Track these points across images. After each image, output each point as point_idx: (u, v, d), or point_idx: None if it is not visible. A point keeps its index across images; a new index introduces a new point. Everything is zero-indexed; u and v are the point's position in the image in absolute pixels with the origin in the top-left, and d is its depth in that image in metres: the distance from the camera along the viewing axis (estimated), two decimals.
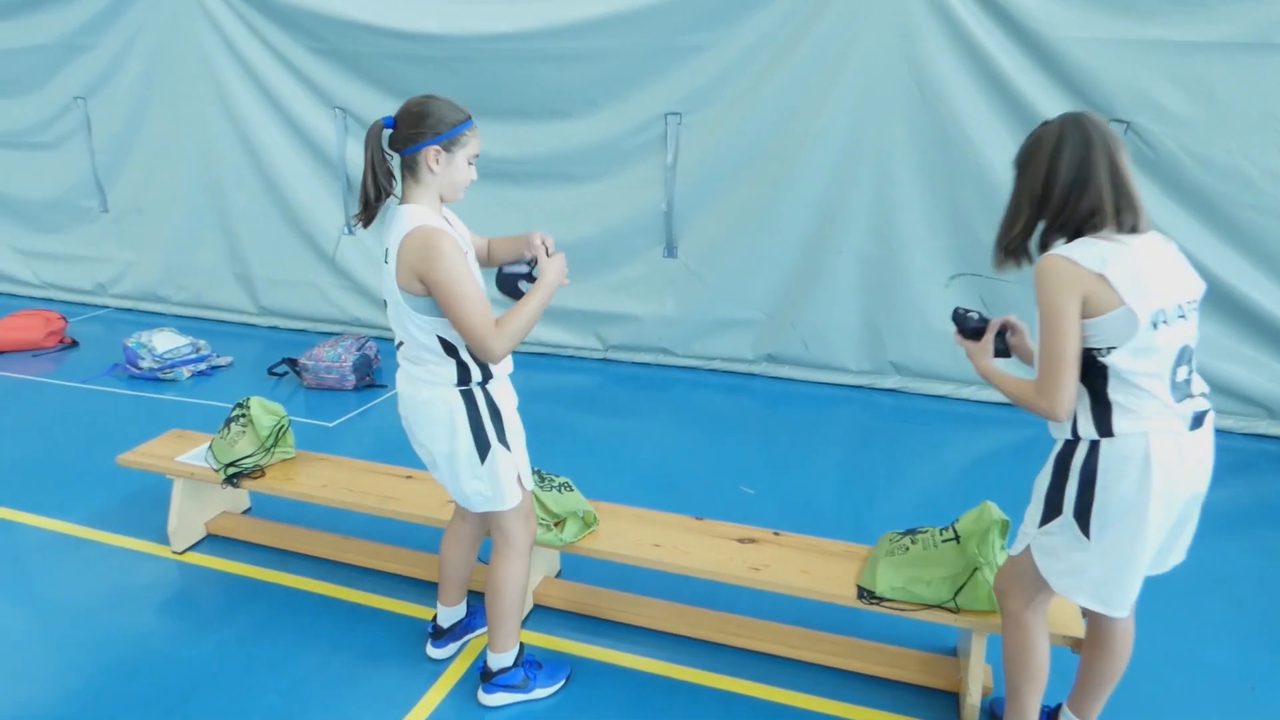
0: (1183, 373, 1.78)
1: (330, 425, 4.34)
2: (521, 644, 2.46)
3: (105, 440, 4.03)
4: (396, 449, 4.05)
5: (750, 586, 2.46)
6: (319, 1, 5.00)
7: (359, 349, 4.86)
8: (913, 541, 2.40)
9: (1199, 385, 1.84)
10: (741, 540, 2.62)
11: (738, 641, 2.64)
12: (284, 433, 3.13)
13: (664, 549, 2.57)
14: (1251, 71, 3.68)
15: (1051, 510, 1.87)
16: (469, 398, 2.15)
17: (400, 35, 4.88)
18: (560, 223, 4.90)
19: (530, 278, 2.18)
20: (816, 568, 2.49)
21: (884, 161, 4.32)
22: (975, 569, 2.27)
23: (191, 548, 3.21)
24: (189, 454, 3.20)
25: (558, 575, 3.00)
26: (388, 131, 2.04)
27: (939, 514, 3.42)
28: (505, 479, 2.22)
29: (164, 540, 3.20)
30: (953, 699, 2.45)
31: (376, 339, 5.20)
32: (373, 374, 4.93)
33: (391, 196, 2.09)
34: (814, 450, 4.11)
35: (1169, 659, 2.60)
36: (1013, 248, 1.87)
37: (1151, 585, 2.08)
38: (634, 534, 2.65)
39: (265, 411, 3.11)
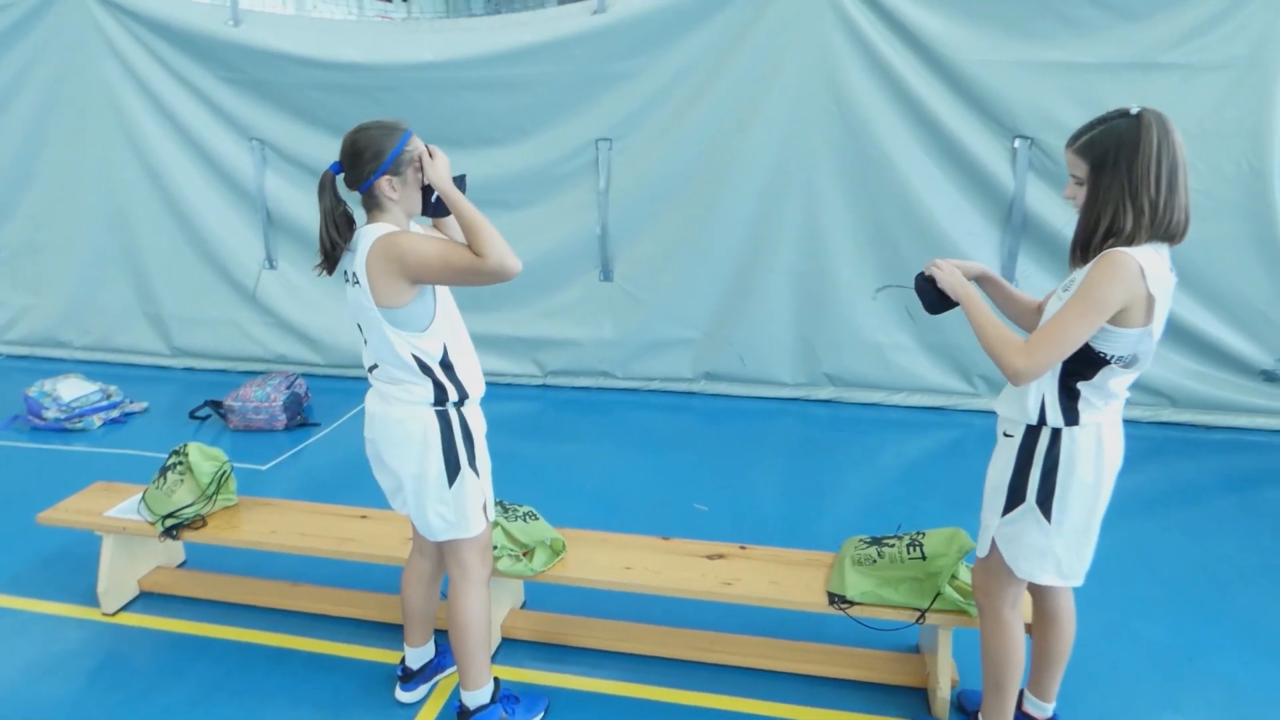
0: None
1: (263, 468, 4.17)
2: (496, 679, 2.42)
3: (13, 499, 3.76)
4: (337, 488, 3.96)
5: (724, 601, 2.49)
6: (232, 30, 4.86)
7: (288, 387, 4.69)
8: (879, 554, 2.47)
9: None
10: (710, 557, 2.66)
11: (710, 657, 2.66)
12: (226, 479, 3.00)
13: (636, 571, 2.58)
14: (1137, 89, 3.99)
15: (1014, 499, 1.98)
16: (444, 418, 2.13)
17: (321, 64, 4.78)
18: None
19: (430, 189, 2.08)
20: (785, 578, 2.54)
21: (809, 181, 4.48)
22: (938, 593, 2.36)
23: (124, 608, 3.01)
24: (119, 507, 3.02)
25: (523, 606, 2.96)
26: (339, 176, 2.06)
27: (883, 515, 3.59)
28: (471, 505, 2.20)
29: (93, 602, 3.00)
30: (921, 694, 2.53)
31: (305, 375, 5.03)
32: (304, 412, 4.77)
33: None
34: (758, 463, 4.19)
35: (1110, 637, 2.76)
36: (1096, 246, 1.78)
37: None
38: (604, 558, 2.65)
39: (205, 458, 2.97)
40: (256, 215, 5.28)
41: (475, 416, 2.22)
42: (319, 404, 4.94)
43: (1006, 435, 2.00)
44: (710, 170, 4.56)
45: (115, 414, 4.82)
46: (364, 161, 2.00)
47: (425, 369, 2.09)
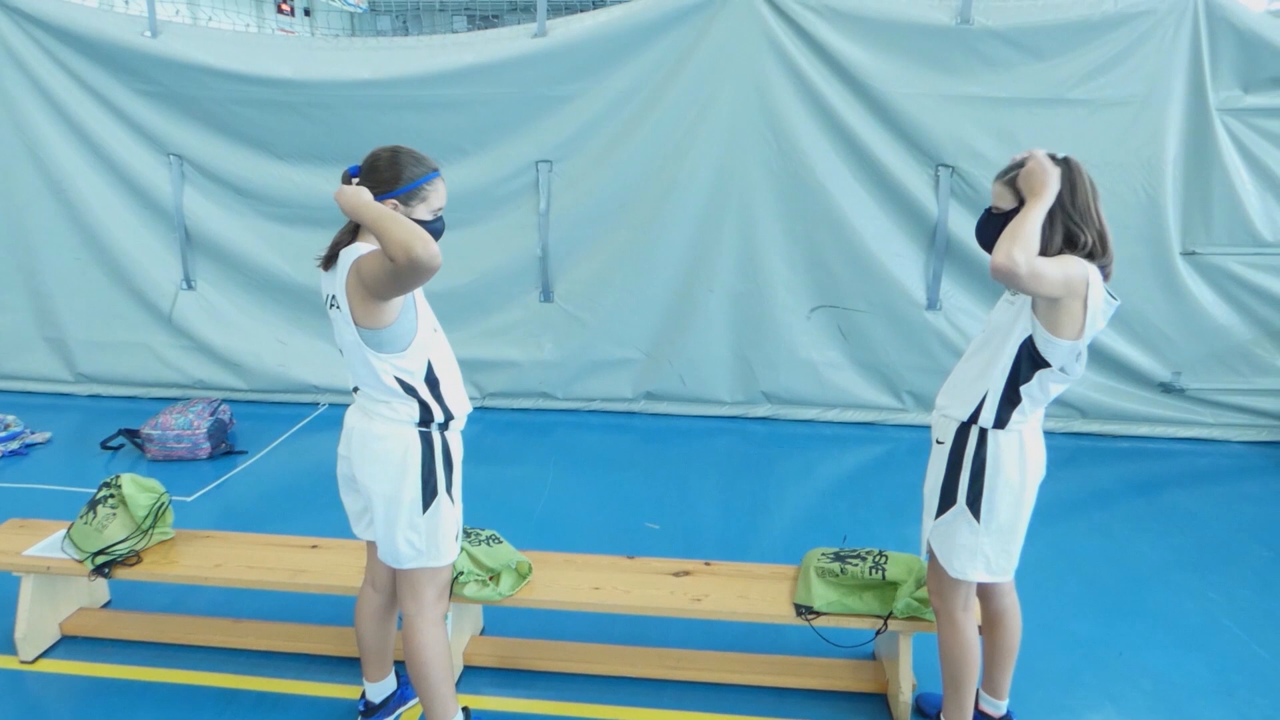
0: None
1: (188, 500, 3.95)
2: (465, 708, 2.37)
3: None
4: (269, 519, 3.80)
5: (696, 618, 2.52)
6: (149, 42, 4.64)
7: (212, 414, 4.48)
8: (842, 570, 2.54)
9: None
10: (677, 574, 2.68)
11: (677, 674, 2.67)
12: (164, 512, 2.84)
13: (605, 591, 2.58)
14: (1046, 122, 4.30)
15: (947, 502, 2.11)
16: (426, 440, 2.09)
17: (246, 79, 4.61)
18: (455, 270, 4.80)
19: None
20: (752, 592, 2.59)
21: (746, 204, 4.61)
22: (890, 614, 2.46)
23: (45, 654, 2.80)
24: (39, 546, 2.81)
25: (482, 633, 2.91)
26: (354, 181, 2.02)
27: (827, 527, 3.71)
28: (444, 533, 2.16)
29: (9, 649, 2.77)
30: (881, 700, 2.62)
31: (228, 401, 4.81)
32: (229, 440, 4.56)
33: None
34: (702, 481, 4.26)
35: (1046, 635, 2.93)
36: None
37: (1022, 572, 2.33)
38: (570, 580, 2.64)
39: (141, 489, 2.81)
40: (173, 234, 5.03)
41: (457, 442, 2.19)
42: (244, 431, 4.73)
43: (938, 442, 2.14)
44: (650, 193, 4.64)
45: (15, 445, 4.48)
46: (381, 177, 1.97)
47: (409, 389, 2.05)
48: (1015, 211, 1.94)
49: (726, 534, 3.69)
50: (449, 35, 4.66)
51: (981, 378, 2.04)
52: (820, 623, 2.48)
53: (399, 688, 2.52)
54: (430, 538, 2.13)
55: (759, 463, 4.50)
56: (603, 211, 4.70)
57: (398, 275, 1.83)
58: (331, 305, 2.05)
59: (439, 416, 2.09)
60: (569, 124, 4.57)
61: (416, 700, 2.53)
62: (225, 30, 5.06)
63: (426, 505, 2.10)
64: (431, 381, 2.07)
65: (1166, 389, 4.67)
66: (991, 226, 2.00)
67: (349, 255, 1.98)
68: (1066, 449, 4.61)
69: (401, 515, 2.10)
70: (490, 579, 2.57)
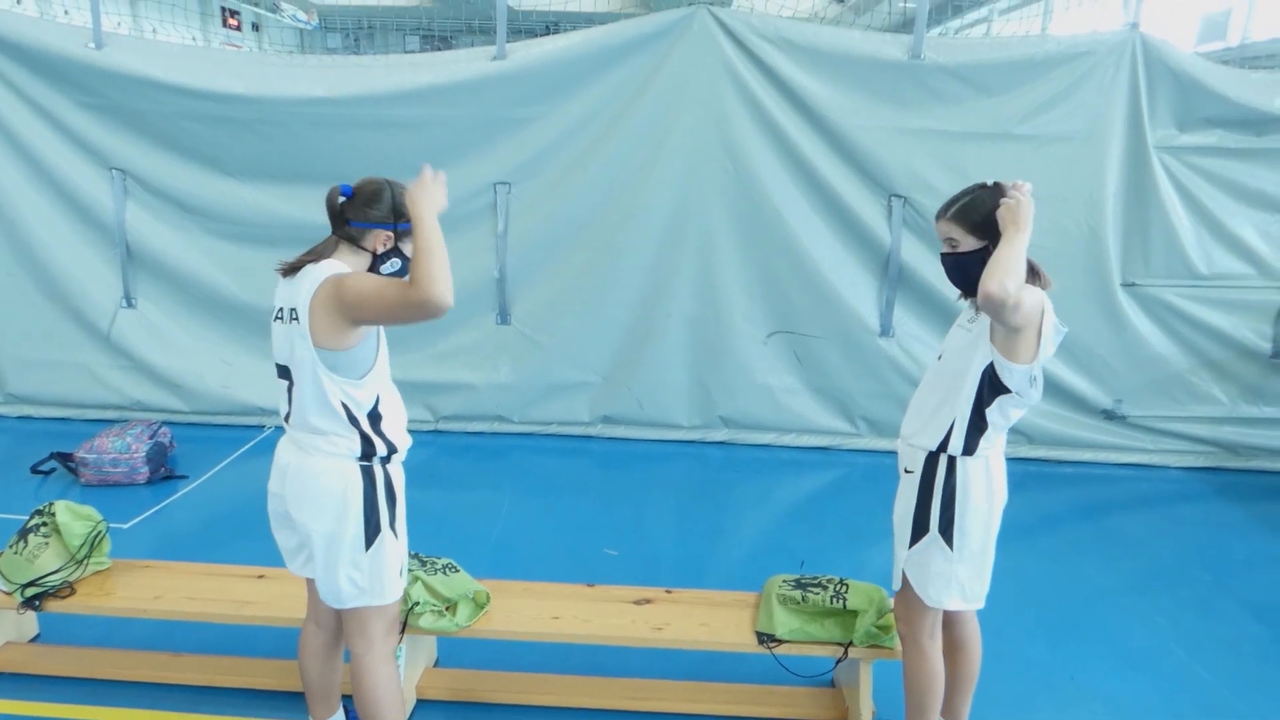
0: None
1: (125, 527, 3.78)
2: None
3: None
4: (212, 546, 3.66)
5: (657, 647, 2.49)
6: (94, 54, 4.50)
7: (151, 437, 4.30)
8: (804, 599, 2.53)
9: None
10: (637, 602, 2.65)
11: (639, 705, 2.63)
12: (100, 541, 2.71)
13: (564, 620, 2.53)
14: (993, 156, 4.42)
15: (919, 531, 2.12)
16: (368, 474, 2.02)
17: (196, 94, 4.50)
18: None
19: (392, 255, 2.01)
20: (714, 620, 2.57)
21: (705, 230, 4.64)
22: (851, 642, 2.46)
23: None
24: None
25: (436, 664, 2.83)
26: (343, 199, 2.00)
27: (784, 552, 3.71)
28: (389, 570, 2.08)
29: None
30: None
31: (168, 424, 4.63)
32: (169, 464, 4.39)
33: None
34: (660, 506, 4.23)
35: (1000, 661, 2.94)
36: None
37: None
38: (530, 609, 2.59)
39: (76, 517, 2.68)
40: (114, 250, 4.86)
41: (399, 474, 2.12)
42: (185, 454, 4.55)
43: (907, 471, 2.15)
44: (609, 217, 4.64)
45: None
46: (379, 206, 1.97)
47: (352, 420, 1.98)
48: (982, 249, 2.00)
49: (685, 559, 3.67)
50: (405, 55, 4.62)
51: (946, 406, 2.06)
52: (782, 651, 2.46)
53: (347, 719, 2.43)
54: (374, 576, 2.05)
55: (717, 487, 4.50)
56: (561, 235, 4.69)
57: (404, 303, 1.80)
58: (289, 319, 1.96)
59: (381, 450, 2.03)
60: (528, 147, 4.55)
61: None
62: (173, 43, 4.94)
63: (369, 542, 2.02)
64: (374, 416, 2.01)
65: (1109, 416, 4.81)
66: (961, 267, 2.05)
67: (320, 270, 1.92)
68: (1015, 474, 4.53)
69: (343, 554, 2.01)
70: (447, 609, 2.50)
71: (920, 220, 4.56)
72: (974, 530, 2.07)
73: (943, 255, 2.09)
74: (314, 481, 2.00)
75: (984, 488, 2.06)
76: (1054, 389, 4.76)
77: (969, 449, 2.04)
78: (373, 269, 2.01)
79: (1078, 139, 4.39)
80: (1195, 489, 4.63)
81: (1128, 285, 4.60)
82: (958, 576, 2.11)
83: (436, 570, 2.57)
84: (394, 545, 2.08)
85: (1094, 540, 3.97)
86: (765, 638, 2.46)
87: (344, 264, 1.97)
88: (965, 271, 2.03)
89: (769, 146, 4.52)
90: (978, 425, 2.04)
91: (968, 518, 2.06)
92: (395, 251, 2.02)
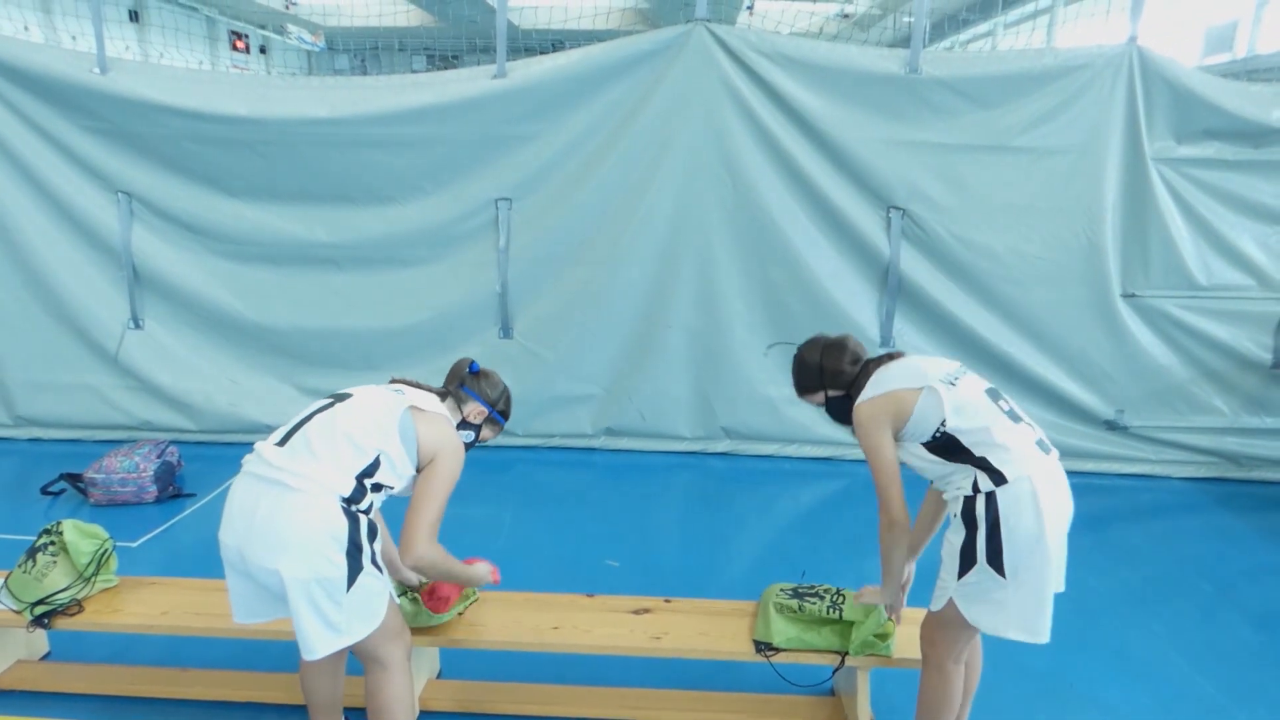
0: (1005, 404, 2.16)
1: (134, 545, 3.82)
2: None
3: None
4: (219, 564, 3.64)
5: (656, 656, 2.51)
6: (99, 78, 4.58)
7: (159, 456, 4.35)
8: (800, 608, 2.53)
9: (1023, 415, 2.20)
10: (636, 612, 2.67)
11: (639, 714, 2.65)
12: (107, 559, 2.74)
13: (564, 630, 2.55)
14: (991, 168, 4.47)
15: (967, 562, 2.07)
16: (351, 517, 2.00)
17: (199, 116, 4.58)
18: (389, 307, 4.77)
19: None
20: (712, 629, 2.59)
21: (704, 243, 4.69)
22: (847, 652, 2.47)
23: None
24: None
25: (439, 676, 2.85)
26: (471, 373, 2.40)
27: (787, 563, 3.72)
28: (372, 605, 2.06)
29: None
30: None
31: (176, 443, 4.67)
32: (176, 482, 4.43)
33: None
34: (662, 517, 4.26)
35: (1000, 670, 2.94)
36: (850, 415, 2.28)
37: None
38: (530, 619, 2.61)
39: (83, 536, 2.71)
40: (121, 272, 4.93)
41: (378, 515, 2.19)
42: (193, 473, 4.60)
43: (954, 515, 2.13)
44: (609, 231, 4.69)
45: None
46: (491, 389, 2.39)
47: (365, 473, 2.03)
48: (828, 400, 2.41)
49: (687, 570, 3.69)
50: (408, 75, 4.70)
51: (952, 471, 2.12)
52: (779, 659, 2.48)
53: None
54: (351, 617, 2.00)
55: (719, 498, 4.51)
56: (562, 249, 4.74)
57: (414, 525, 2.09)
58: (399, 391, 2.21)
59: (362, 505, 2.05)
60: (529, 163, 4.61)
61: None
62: (177, 67, 5.03)
63: (351, 582, 1.98)
64: (378, 486, 2.09)
65: (1111, 426, 4.81)
66: (834, 414, 2.43)
67: (447, 415, 2.26)
68: None
69: (320, 599, 1.94)
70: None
71: (919, 232, 4.59)
72: (1024, 556, 1.99)
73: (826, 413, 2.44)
74: (294, 519, 1.93)
75: (1030, 513, 1.99)
76: (1055, 399, 4.78)
77: (999, 480, 2.02)
78: (458, 428, 2.31)
79: (1075, 151, 4.42)
80: (1197, 499, 4.62)
81: (1128, 296, 4.62)
82: (1011, 608, 2.03)
83: None
84: (377, 578, 2.06)
85: (1095, 550, 3.97)
86: (762, 646, 2.48)
87: (451, 415, 2.29)
88: (838, 415, 2.39)
89: (767, 160, 4.56)
90: (979, 463, 2.04)
91: (1017, 544, 1.99)
92: (477, 429, 2.38)
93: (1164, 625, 3.31)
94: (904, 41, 4.40)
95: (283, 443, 2.05)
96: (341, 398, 2.16)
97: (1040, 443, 2.12)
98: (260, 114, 4.55)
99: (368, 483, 2.04)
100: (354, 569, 1.99)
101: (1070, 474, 5.05)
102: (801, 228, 4.63)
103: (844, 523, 4.21)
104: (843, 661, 2.46)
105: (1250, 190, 4.49)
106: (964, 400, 2.09)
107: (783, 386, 4.85)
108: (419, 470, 2.16)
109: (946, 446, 2.09)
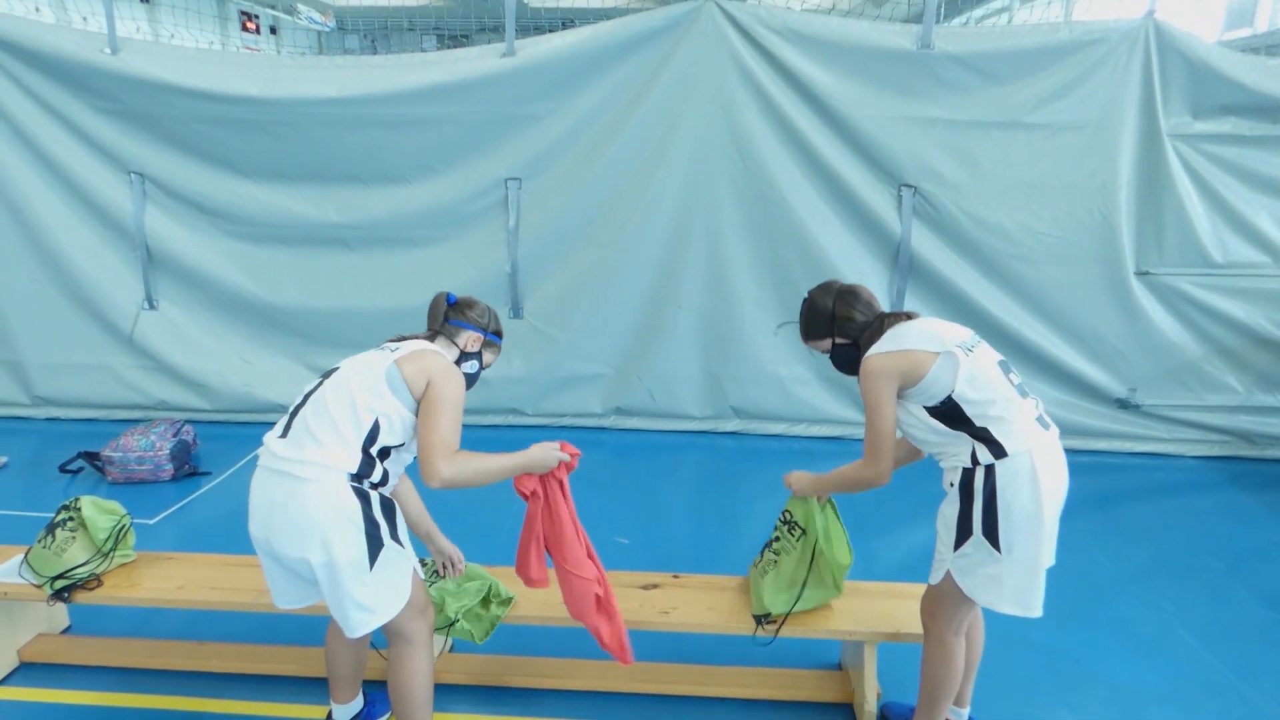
0: (1014, 378, 2.15)
1: (151, 522, 3.88)
2: None
3: None
4: (236, 539, 3.70)
5: (663, 631, 2.53)
6: (110, 59, 4.60)
7: (175, 435, 4.41)
8: (775, 555, 2.54)
9: (1028, 390, 2.19)
10: (645, 587, 2.70)
11: (647, 688, 2.68)
12: (125, 534, 2.79)
13: None
14: (1004, 145, 4.43)
15: (963, 533, 2.08)
16: (362, 496, 2.01)
17: (210, 97, 4.59)
18: (399, 287, 4.79)
19: None
20: (720, 604, 2.62)
21: (713, 222, 4.68)
22: (815, 550, 2.47)
23: (4, 681, 2.73)
24: None
25: (451, 650, 2.89)
26: (449, 305, 2.31)
27: None
28: (397, 581, 2.09)
29: None
30: (847, 709, 2.64)
31: (192, 422, 4.74)
32: (192, 461, 4.49)
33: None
34: (672, 495, 4.28)
35: (1007, 645, 2.96)
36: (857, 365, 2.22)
37: None
38: (539, 594, 2.63)
39: (101, 512, 2.75)
40: (135, 253, 4.97)
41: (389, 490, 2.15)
42: (208, 451, 4.66)
43: (950, 485, 2.13)
44: (618, 210, 4.68)
45: None
46: (477, 314, 2.30)
47: (369, 440, 2.00)
48: (835, 348, 2.30)
49: (696, 548, 3.72)
50: (417, 54, 4.68)
51: (949, 440, 2.10)
52: (787, 632, 2.49)
53: (365, 706, 2.50)
54: (379, 593, 2.03)
55: (728, 477, 4.53)
56: (572, 229, 4.74)
57: (433, 445, 1.98)
58: (385, 349, 2.13)
59: (374, 477, 2.04)
60: (538, 142, 4.61)
61: (384, 717, 2.52)
62: (188, 48, 5.03)
63: (373, 560, 2.01)
64: (385, 451, 2.05)
65: (1123, 405, 4.79)
66: (839, 362, 2.34)
67: (440, 353, 2.13)
68: None
69: (346, 579, 1.97)
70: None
71: (930, 210, 4.56)
72: (1020, 530, 2.01)
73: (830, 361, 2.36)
74: (305, 504, 1.96)
75: (1027, 488, 2.00)
76: (1067, 378, 4.76)
77: (999, 453, 2.02)
78: (457, 363, 2.24)
79: (1090, 127, 4.37)
80: (1209, 478, 4.60)
81: (1141, 274, 4.58)
82: (1006, 582, 2.04)
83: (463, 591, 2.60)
84: (400, 554, 2.09)
85: (1105, 529, 3.97)
86: (762, 618, 2.48)
87: (444, 350, 2.20)
88: (843, 364, 2.32)
89: (777, 138, 4.54)
90: (980, 434, 2.04)
91: (1013, 518, 2.00)
92: (478, 355, 2.31)
93: (1173, 603, 3.31)
94: (918, 17, 4.35)
95: (285, 433, 2.07)
96: (329, 374, 2.13)
97: (1040, 418, 2.12)
98: (271, 94, 4.56)
99: (373, 451, 2.02)
100: (374, 547, 2.01)
101: (1081, 452, 5.05)
102: (812, 206, 4.61)
103: (852, 501, 4.16)
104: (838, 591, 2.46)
105: (1268, 166, 4.43)
106: (977, 370, 2.07)
107: (793, 365, 4.88)
108: None
109: (949, 414, 2.07)
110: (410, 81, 4.49)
